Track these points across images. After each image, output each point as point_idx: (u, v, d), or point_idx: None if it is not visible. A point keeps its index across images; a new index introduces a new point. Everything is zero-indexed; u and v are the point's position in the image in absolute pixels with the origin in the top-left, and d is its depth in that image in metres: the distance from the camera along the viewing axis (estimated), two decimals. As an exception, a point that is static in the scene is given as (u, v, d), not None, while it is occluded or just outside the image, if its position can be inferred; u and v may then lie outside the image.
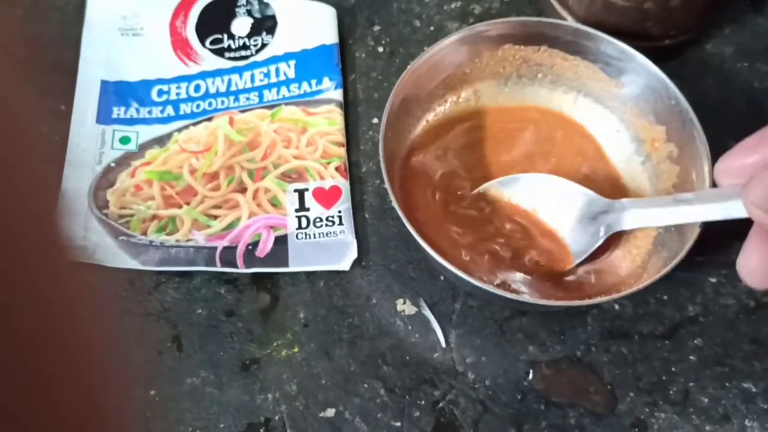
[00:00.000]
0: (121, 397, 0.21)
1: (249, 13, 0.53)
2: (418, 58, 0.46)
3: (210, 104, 0.50)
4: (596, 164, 0.48)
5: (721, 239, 0.47)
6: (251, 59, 0.52)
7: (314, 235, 0.45)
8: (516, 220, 0.45)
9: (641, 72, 0.46)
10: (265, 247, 0.45)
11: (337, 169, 0.48)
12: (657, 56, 0.46)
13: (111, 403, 0.19)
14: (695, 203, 0.40)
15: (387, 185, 0.42)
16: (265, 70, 0.51)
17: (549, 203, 0.45)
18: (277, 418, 0.42)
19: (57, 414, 0.18)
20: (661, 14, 0.49)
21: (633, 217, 0.43)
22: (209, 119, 0.50)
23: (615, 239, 0.45)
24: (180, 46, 0.52)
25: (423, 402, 0.42)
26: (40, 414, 0.17)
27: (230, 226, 0.46)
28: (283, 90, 0.51)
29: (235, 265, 0.45)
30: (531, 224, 0.45)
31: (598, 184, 0.47)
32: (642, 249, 0.45)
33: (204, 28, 0.53)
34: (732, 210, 0.38)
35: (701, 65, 0.53)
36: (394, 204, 0.41)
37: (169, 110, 0.50)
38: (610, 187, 0.47)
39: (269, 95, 0.51)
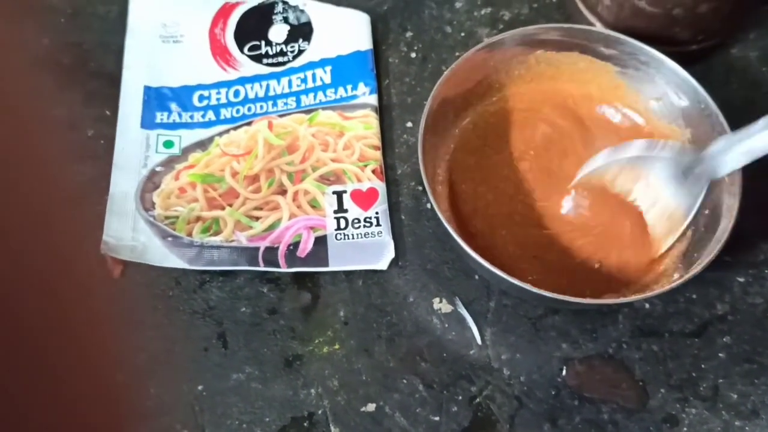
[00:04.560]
0: (170, 391, 0.22)
1: (285, 20, 0.55)
2: (455, 64, 0.47)
3: (249, 109, 0.52)
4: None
5: (749, 240, 0.48)
6: (288, 65, 0.54)
7: (352, 235, 0.47)
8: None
9: (670, 77, 0.47)
10: (306, 248, 0.47)
11: (373, 171, 0.49)
12: (684, 60, 0.48)
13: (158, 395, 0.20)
14: None
15: (426, 185, 0.43)
16: (302, 75, 0.53)
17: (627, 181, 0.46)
18: (320, 412, 0.43)
19: (106, 403, 0.19)
20: (688, 20, 0.50)
21: (730, 158, 0.42)
22: (249, 123, 0.51)
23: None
24: (219, 52, 0.54)
25: (460, 397, 0.44)
26: (89, 399, 0.18)
27: (271, 227, 0.47)
28: (320, 95, 0.52)
29: (277, 265, 0.46)
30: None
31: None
32: (674, 250, 0.46)
33: (242, 35, 0.54)
34: None
35: (727, 69, 0.54)
36: (433, 204, 0.43)
37: (210, 115, 0.52)
38: None
39: (306, 100, 0.52)
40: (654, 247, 0.46)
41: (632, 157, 0.45)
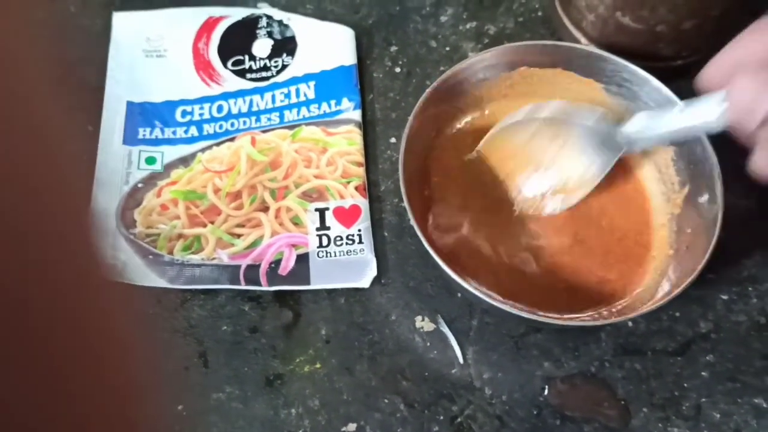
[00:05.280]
0: (150, 412, 0.22)
1: (270, 34, 0.55)
2: (437, 81, 0.47)
3: (232, 125, 0.52)
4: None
5: (732, 257, 0.48)
6: (272, 80, 0.53)
7: (335, 253, 0.47)
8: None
9: (653, 95, 0.47)
10: (288, 265, 0.46)
11: (356, 188, 0.49)
12: (668, 76, 0.48)
13: (140, 416, 0.20)
14: (695, 106, 0.43)
15: (406, 204, 0.43)
16: (285, 90, 0.53)
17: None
18: (300, 432, 0.43)
19: (88, 427, 0.19)
20: (673, 36, 0.50)
21: (646, 140, 0.45)
22: (232, 139, 0.51)
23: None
24: (203, 67, 0.54)
25: (442, 417, 0.44)
26: (71, 426, 0.18)
27: (253, 245, 0.47)
28: (303, 110, 0.52)
29: (258, 283, 0.46)
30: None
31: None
32: (656, 268, 0.46)
33: (226, 50, 0.54)
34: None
35: (712, 84, 0.54)
36: (413, 222, 0.43)
37: (193, 131, 0.52)
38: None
39: (290, 115, 0.52)
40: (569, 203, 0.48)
41: (551, 118, 0.47)
